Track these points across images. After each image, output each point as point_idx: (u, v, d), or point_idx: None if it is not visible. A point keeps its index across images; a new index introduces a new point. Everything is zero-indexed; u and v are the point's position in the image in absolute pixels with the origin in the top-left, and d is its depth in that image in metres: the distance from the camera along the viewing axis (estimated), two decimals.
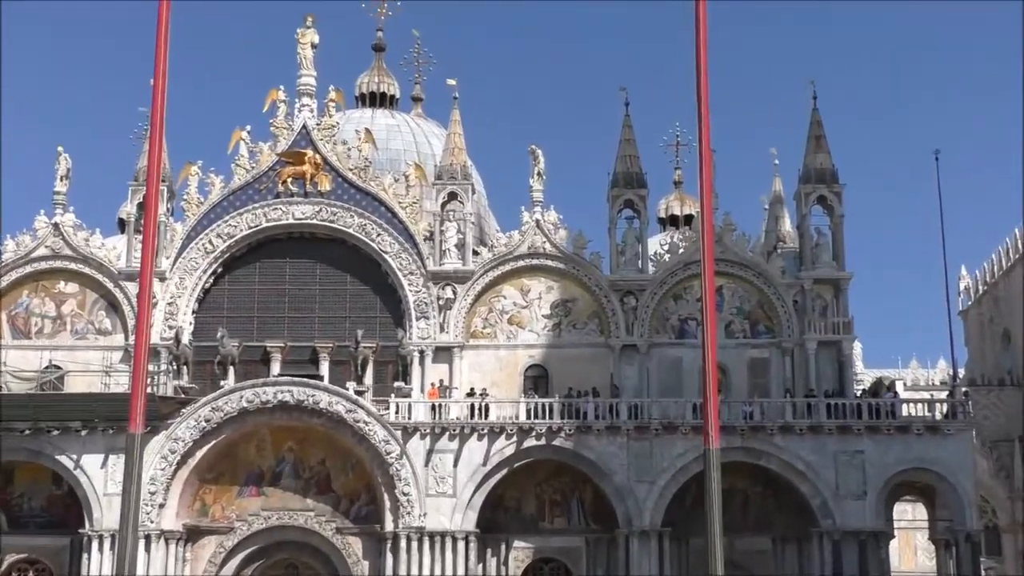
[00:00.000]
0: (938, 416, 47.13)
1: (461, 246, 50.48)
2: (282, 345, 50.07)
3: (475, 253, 51.12)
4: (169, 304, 49.93)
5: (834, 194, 50.39)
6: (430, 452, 46.45)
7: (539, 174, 51.16)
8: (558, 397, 47.38)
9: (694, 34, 22.43)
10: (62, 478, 47.19)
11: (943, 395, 50.28)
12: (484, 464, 46.42)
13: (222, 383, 47.73)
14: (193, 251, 50.44)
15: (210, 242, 50.55)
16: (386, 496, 46.25)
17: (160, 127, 22.82)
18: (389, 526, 46.15)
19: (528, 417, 46.74)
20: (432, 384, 48.40)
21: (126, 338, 49.42)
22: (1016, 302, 62.15)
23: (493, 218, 64.08)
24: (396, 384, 48.12)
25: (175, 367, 48.21)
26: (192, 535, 47.33)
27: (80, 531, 46.45)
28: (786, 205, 55.37)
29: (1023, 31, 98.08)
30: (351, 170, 51.25)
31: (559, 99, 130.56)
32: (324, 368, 49.64)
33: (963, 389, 48.30)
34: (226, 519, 47.63)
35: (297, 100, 52.27)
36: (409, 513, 45.85)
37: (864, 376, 68.26)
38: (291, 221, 50.92)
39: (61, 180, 51.49)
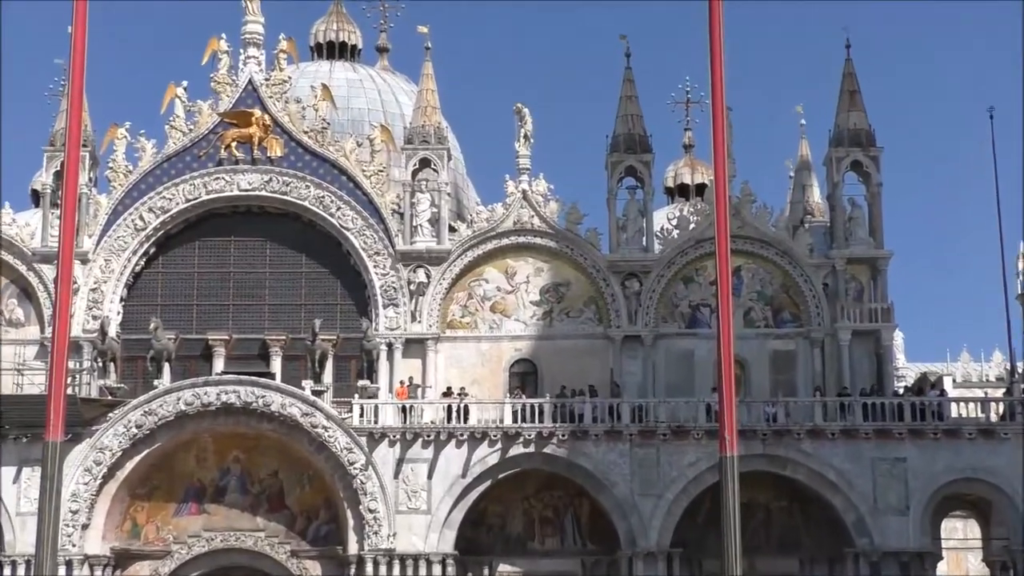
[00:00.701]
0: (993, 418, 47.27)
1: (435, 221, 50.50)
2: (226, 338, 50.06)
3: (452, 229, 51.16)
4: (93, 290, 49.83)
5: (871, 159, 50.53)
6: (400, 462, 46.50)
7: (526, 137, 51.20)
8: (549, 397, 47.44)
9: None
10: None
11: (999, 393, 50.42)
12: (463, 475, 46.50)
13: (156, 383, 47.68)
14: (121, 228, 50.33)
15: (141, 218, 50.46)
16: (349, 513, 46.29)
17: (80, 82, 22.76)
18: (353, 548, 46.21)
19: (514, 420, 46.80)
20: (402, 382, 48.47)
21: (42, 330, 49.33)
22: None
23: (472, 189, 64.10)
24: (360, 383, 48.16)
25: (100, 364, 48.13)
26: (121, 560, 47.29)
27: None
28: (815, 172, 55.54)
29: None
30: (306, 133, 51.18)
31: (549, 49, 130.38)
32: (276, 365, 49.65)
33: (1022, 386, 48.45)
34: (161, 541, 47.60)
35: (242, 51, 52.16)
36: (376, 533, 45.92)
37: (906, 371, 68.51)
38: (236, 193, 50.85)
39: None
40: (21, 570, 45.69)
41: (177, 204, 50.62)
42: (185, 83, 51.81)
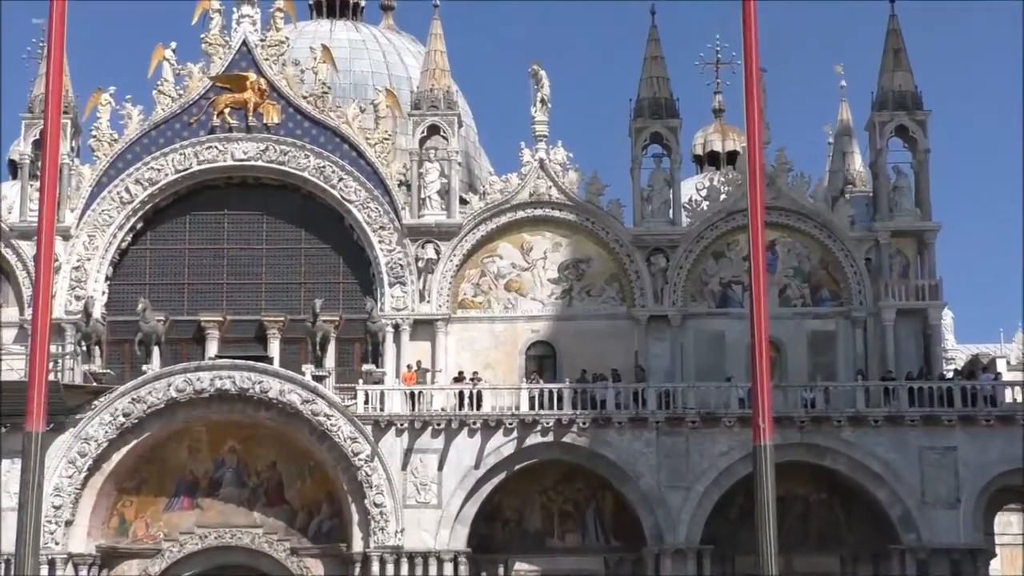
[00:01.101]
0: None
1: (445, 193, 50.52)
2: (220, 319, 50.19)
3: (463, 202, 51.17)
4: (76, 269, 49.95)
5: (917, 123, 50.39)
6: (408, 452, 46.61)
7: (543, 101, 51.12)
8: (569, 382, 47.53)
9: None
10: None
11: None
12: (476, 467, 46.60)
13: (145, 368, 47.80)
14: (106, 202, 50.42)
15: (127, 190, 50.53)
16: (353, 508, 46.41)
17: (61, 44, 22.77)
18: (358, 545, 46.33)
19: (531, 407, 46.88)
20: (410, 367, 48.56)
21: (21, 312, 49.39)
22: None
23: (485, 158, 64.06)
24: (365, 367, 48.23)
25: (84, 348, 48.24)
26: (108, 559, 47.47)
27: None
28: (856, 138, 55.38)
29: None
30: (305, 98, 51.21)
31: (568, 6, 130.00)
32: (274, 348, 49.79)
33: None
34: (151, 539, 47.78)
35: (235, 10, 52.16)
36: (383, 529, 46.03)
37: (956, 353, 68.41)
38: (230, 163, 50.91)
39: None
40: (1, 570, 45.87)
41: (166, 175, 50.66)
42: (174, 45, 51.84)
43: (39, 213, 25.72)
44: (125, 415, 46.70)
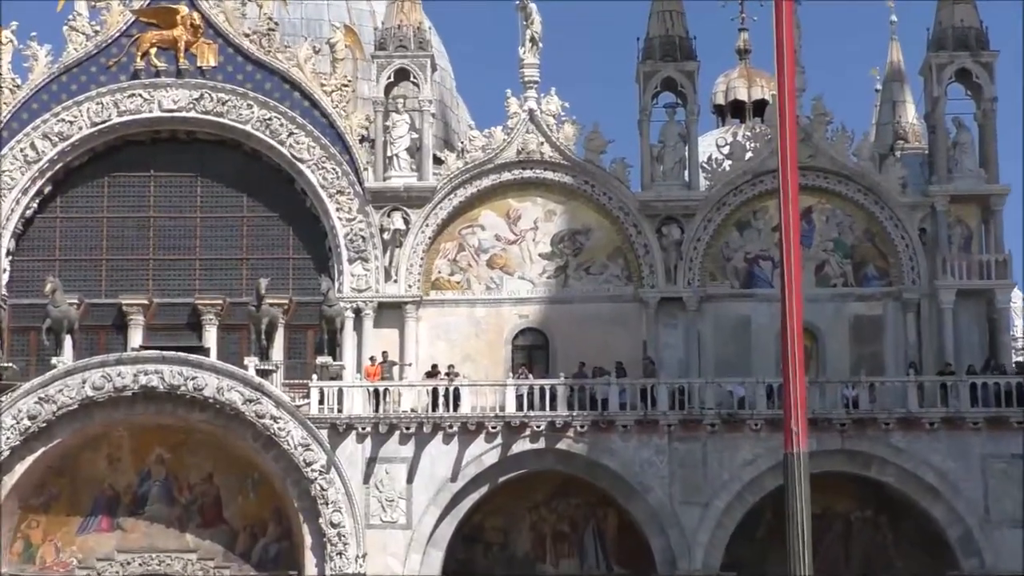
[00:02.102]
0: None
1: (416, 151, 50.62)
2: (146, 303, 50.33)
3: (437, 161, 51.27)
4: None
5: (982, 66, 50.51)
6: (372, 462, 46.74)
7: (533, 41, 51.13)
8: (564, 377, 47.63)
9: None
10: None
11: None
12: (453, 479, 46.73)
13: (54, 360, 47.77)
14: (6, 160, 50.41)
15: (32, 147, 50.55)
16: (306, 528, 46.53)
17: None
18: (311, 572, 46.45)
19: (519, 408, 47.00)
20: (373, 359, 48.65)
21: None
22: None
23: (464, 108, 64.07)
24: (320, 360, 48.41)
25: None
26: None
27: None
28: (909, 85, 55.41)
29: None
30: (247, 36, 51.25)
31: None
32: (210, 337, 49.95)
33: None
34: (62, 566, 47.85)
35: None
36: (341, 554, 46.14)
37: None
38: (157, 114, 51.00)
39: None
40: None
41: (80, 129, 50.68)
42: None
43: None
44: (31, 418, 46.61)
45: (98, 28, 51.22)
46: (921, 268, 49.56)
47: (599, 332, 49.52)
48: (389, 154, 50.38)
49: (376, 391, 47.37)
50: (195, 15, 51.08)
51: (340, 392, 47.37)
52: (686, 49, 51.12)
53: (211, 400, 46.75)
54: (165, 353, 47.38)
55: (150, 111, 50.93)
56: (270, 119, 50.55)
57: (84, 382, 46.75)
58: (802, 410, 23.44)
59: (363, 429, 46.79)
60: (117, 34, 51.18)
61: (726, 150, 51.66)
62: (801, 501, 22.21)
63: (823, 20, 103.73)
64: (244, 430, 46.87)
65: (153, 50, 50.96)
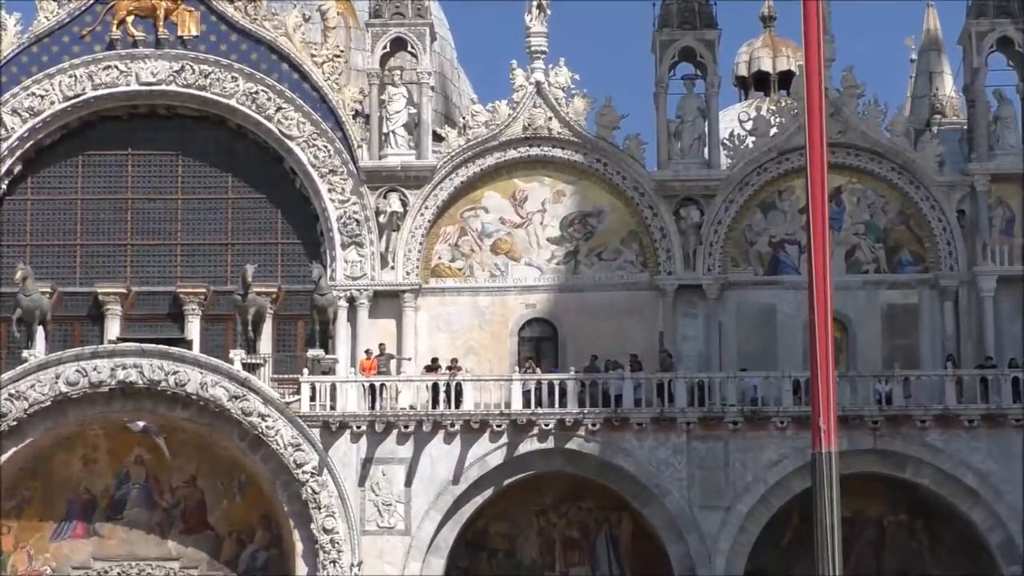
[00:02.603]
0: None
1: (414, 127, 50.72)
2: (124, 291, 50.48)
3: (437, 138, 51.45)
4: None
5: None
6: (367, 463, 46.96)
7: (540, 7, 51.17)
8: (574, 371, 47.84)
9: None
10: None
11: None
12: (455, 481, 46.96)
13: (25, 354, 47.94)
14: None
15: (0, 123, 50.75)
16: (297, 535, 46.72)
17: None
18: None
19: (526, 404, 47.19)
20: (369, 352, 48.86)
21: None
22: None
23: (467, 81, 64.16)
24: (311, 353, 48.54)
25: None
26: None
27: None
28: (946, 55, 55.50)
29: None
30: (232, 2, 51.33)
31: None
32: (193, 328, 50.12)
33: None
34: (36, 575, 48.16)
35: None
36: (334, 562, 46.34)
37: None
38: (135, 87, 51.13)
39: None
40: None
41: (52, 104, 50.83)
42: None
43: None
44: (0, 416, 47.01)
45: None
46: (959, 253, 49.70)
47: (612, 323, 49.73)
48: (385, 130, 50.50)
49: (372, 387, 47.52)
50: None
51: (333, 388, 47.56)
52: (706, 16, 51.18)
53: (194, 396, 46.85)
54: (145, 346, 47.48)
55: (127, 84, 51.03)
56: (256, 93, 50.67)
57: (57, 377, 46.89)
58: (832, 407, 23.67)
59: (358, 428, 46.99)
60: (91, 1, 51.25)
61: (749, 125, 51.68)
62: (830, 504, 22.51)
63: None
64: (230, 429, 47.02)
65: (130, 18, 50.98)
